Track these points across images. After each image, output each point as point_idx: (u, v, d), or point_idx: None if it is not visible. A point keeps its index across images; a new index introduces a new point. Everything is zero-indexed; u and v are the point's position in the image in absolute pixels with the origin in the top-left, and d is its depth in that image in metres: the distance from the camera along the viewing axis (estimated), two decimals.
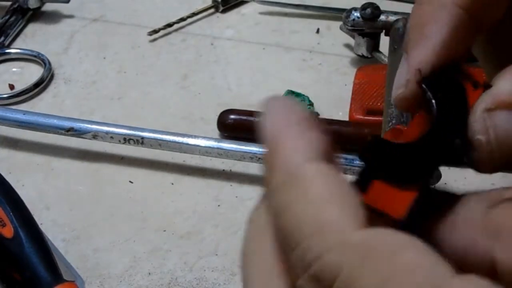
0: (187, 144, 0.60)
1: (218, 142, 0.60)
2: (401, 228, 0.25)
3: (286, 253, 0.25)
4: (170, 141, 0.60)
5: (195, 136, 0.60)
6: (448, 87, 0.28)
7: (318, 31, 0.77)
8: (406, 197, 0.28)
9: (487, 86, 0.28)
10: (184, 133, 0.61)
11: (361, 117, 0.63)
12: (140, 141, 0.60)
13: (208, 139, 0.60)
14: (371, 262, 0.23)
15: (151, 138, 0.60)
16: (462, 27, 0.30)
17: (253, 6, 0.80)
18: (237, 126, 0.63)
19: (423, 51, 0.30)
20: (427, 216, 0.29)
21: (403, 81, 0.30)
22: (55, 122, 0.62)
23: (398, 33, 0.66)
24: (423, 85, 0.29)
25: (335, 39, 0.75)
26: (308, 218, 0.24)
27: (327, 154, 0.27)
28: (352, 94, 0.65)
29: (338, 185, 0.25)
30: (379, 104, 0.63)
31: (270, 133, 0.28)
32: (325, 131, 0.29)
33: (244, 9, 0.81)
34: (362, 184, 0.28)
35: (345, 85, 0.69)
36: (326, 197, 0.25)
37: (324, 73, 0.72)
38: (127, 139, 0.61)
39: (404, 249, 0.23)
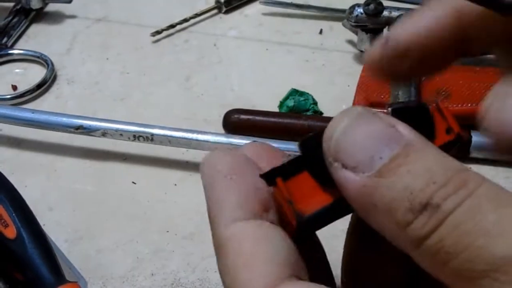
0: (197, 140, 0.60)
1: (228, 137, 0.60)
2: (299, 224, 0.28)
3: None
4: (179, 137, 0.60)
5: (205, 132, 0.60)
6: (415, 120, 0.28)
7: (321, 31, 0.77)
8: (321, 199, 0.29)
9: (459, 137, 0.29)
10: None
11: None
12: (150, 138, 0.60)
13: (218, 135, 0.60)
14: None
15: (161, 135, 0.60)
16: (448, 27, 0.30)
17: (256, 7, 0.80)
18: (243, 125, 0.63)
19: (402, 28, 0.31)
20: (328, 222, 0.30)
21: (375, 47, 0.31)
22: (64, 120, 0.62)
23: None
24: (390, 109, 0.29)
25: (338, 40, 0.75)
26: (229, 285, 0.28)
27: (254, 199, 0.29)
28: (357, 86, 0.65)
29: (253, 245, 0.28)
30: (382, 97, 0.64)
31: (205, 193, 0.30)
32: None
33: (247, 9, 0.81)
34: (287, 171, 0.29)
35: (348, 86, 0.69)
36: (239, 265, 0.28)
37: (327, 73, 0.71)
38: (136, 136, 0.61)
39: None
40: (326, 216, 0.29)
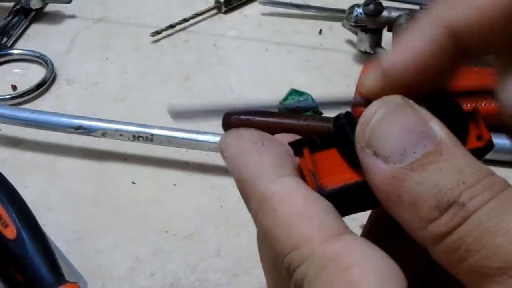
0: (196, 140, 0.60)
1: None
2: (322, 195, 0.28)
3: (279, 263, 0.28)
4: (179, 137, 0.60)
5: (204, 132, 0.60)
6: (450, 119, 0.29)
7: (320, 32, 0.77)
8: (345, 177, 0.29)
9: (489, 145, 0.29)
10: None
11: (363, 109, 0.63)
12: (150, 138, 0.61)
13: (217, 135, 0.60)
14: (325, 276, 0.25)
15: (160, 135, 0.60)
16: (442, 45, 0.30)
17: (256, 7, 0.80)
18: (243, 125, 0.63)
19: (396, 55, 0.30)
20: (352, 202, 0.30)
21: (370, 77, 0.31)
22: (64, 120, 0.62)
23: (401, 28, 0.66)
24: (427, 102, 0.29)
25: (338, 40, 0.75)
26: (283, 239, 0.27)
27: (289, 162, 0.29)
28: (357, 86, 0.65)
29: (304, 198, 0.27)
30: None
31: (232, 166, 0.30)
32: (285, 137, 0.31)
33: (247, 10, 0.81)
34: (316, 144, 0.30)
35: (347, 86, 0.69)
36: (294, 214, 0.27)
37: (327, 74, 0.72)
38: (136, 136, 0.61)
39: (354, 267, 0.25)
40: (348, 195, 0.29)
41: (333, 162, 0.29)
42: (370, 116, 0.28)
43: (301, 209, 0.27)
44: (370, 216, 0.34)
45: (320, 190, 0.28)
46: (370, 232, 0.34)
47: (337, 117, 0.30)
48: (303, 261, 0.26)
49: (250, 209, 0.29)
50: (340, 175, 0.29)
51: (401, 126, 0.27)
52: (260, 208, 0.28)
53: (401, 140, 0.27)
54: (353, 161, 0.29)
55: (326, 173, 0.29)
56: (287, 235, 0.27)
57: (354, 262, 0.25)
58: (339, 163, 0.29)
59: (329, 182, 0.29)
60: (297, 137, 0.32)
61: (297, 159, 0.30)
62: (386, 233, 0.30)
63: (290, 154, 0.30)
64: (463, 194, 0.25)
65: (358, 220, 0.33)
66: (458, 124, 0.29)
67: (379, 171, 0.27)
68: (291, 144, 0.30)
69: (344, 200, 0.29)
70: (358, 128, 0.28)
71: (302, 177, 0.29)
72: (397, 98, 0.28)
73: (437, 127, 0.27)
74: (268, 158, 0.29)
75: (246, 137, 0.30)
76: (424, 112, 0.28)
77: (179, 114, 0.29)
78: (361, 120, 0.28)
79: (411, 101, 0.28)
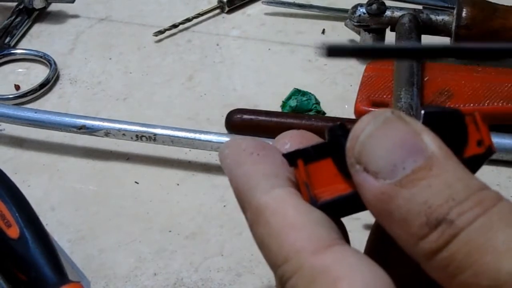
0: (199, 140, 0.60)
1: (230, 137, 0.60)
2: (316, 206, 0.28)
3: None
4: (182, 137, 0.60)
5: (207, 132, 0.60)
6: (447, 127, 0.28)
7: (323, 31, 0.77)
8: (339, 188, 0.29)
9: (489, 151, 0.29)
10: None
11: (366, 108, 0.63)
12: (153, 138, 0.61)
13: (220, 135, 0.60)
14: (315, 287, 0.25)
15: (163, 135, 0.60)
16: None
17: (259, 6, 0.80)
18: (246, 125, 0.63)
19: None
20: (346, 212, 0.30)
21: None
22: (67, 120, 0.62)
23: (404, 28, 0.66)
24: (422, 112, 0.29)
25: (340, 40, 0.75)
26: (276, 251, 0.27)
27: (285, 172, 0.29)
28: (360, 86, 0.65)
29: (296, 209, 0.28)
30: (384, 96, 0.64)
31: (229, 176, 0.31)
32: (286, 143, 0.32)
33: (250, 9, 0.81)
34: (310, 155, 0.30)
35: (350, 85, 0.69)
36: (285, 226, 0.27)
37: (330, 73, 0.71)
38: (139, 136, 0.61)
39: (341, 281, 0.25)
40: (341, 206, 0.29)
41: (327, 172, 0.29)
42: (359, 131, 0.28)
43: (292, 220, 0.27)
44: (374, 224, 0.34)
45: (314, 202, 0.28)
46: (374, 237, 0.34)
47: (332, 128, 0.30)
48: (293, 273, 0.26)
49: (247, 219, 0.29)
50: (335, 186, 0.29)
51: (390, 141, 0.27)
52: (255, 219, 0.28)
53: (391, 155, 0.27)
54: (348, 172, 0.28)
55: (321, 183, 0.29)
56: (279, 247, 0.27)
57: (342, 275, 0.25)
58: (334, 174, 0.29)
59: (323, 193, 0.29)
60: (309, 133, 0.32)
61: (293, 169, 0.30)
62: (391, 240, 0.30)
63: (286, 163, 0.30)
64: (452, 210, 0.25)
65: (361, 220, 0.33)
66: (456, 130, 0.29)
67: (370, 187, 0.27)
68: (286, 155, 0.30)
69: (339, 209, 0.29)
70: (348, 144, 0.28)
71: (298, 187, 0.29)
72: (387, 112, 0.28)
73: (429, 140, 0.27)
74: (263, 169, 0.29)
75: (243, 147, 0.30)
76: (415, 124, 0.27)
77: (331, 51, 0.28)
78: (350, 135, 0.28)
79: (402, 113, 0.28)
